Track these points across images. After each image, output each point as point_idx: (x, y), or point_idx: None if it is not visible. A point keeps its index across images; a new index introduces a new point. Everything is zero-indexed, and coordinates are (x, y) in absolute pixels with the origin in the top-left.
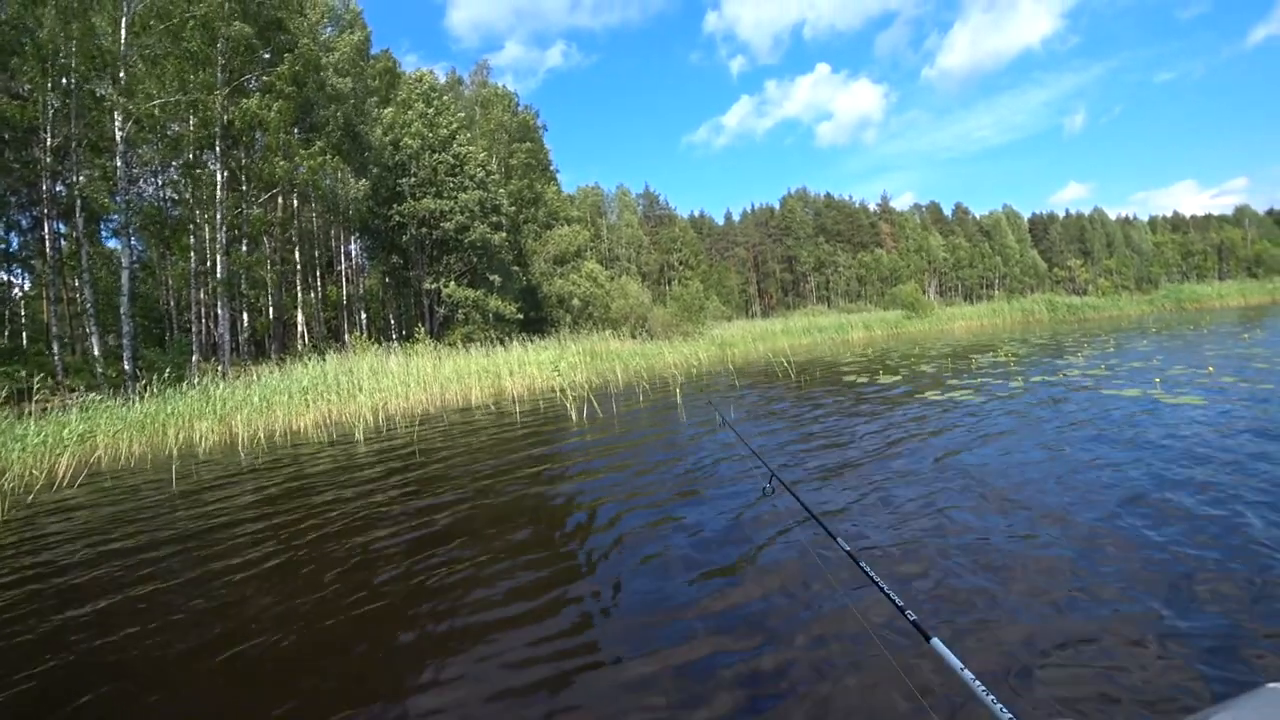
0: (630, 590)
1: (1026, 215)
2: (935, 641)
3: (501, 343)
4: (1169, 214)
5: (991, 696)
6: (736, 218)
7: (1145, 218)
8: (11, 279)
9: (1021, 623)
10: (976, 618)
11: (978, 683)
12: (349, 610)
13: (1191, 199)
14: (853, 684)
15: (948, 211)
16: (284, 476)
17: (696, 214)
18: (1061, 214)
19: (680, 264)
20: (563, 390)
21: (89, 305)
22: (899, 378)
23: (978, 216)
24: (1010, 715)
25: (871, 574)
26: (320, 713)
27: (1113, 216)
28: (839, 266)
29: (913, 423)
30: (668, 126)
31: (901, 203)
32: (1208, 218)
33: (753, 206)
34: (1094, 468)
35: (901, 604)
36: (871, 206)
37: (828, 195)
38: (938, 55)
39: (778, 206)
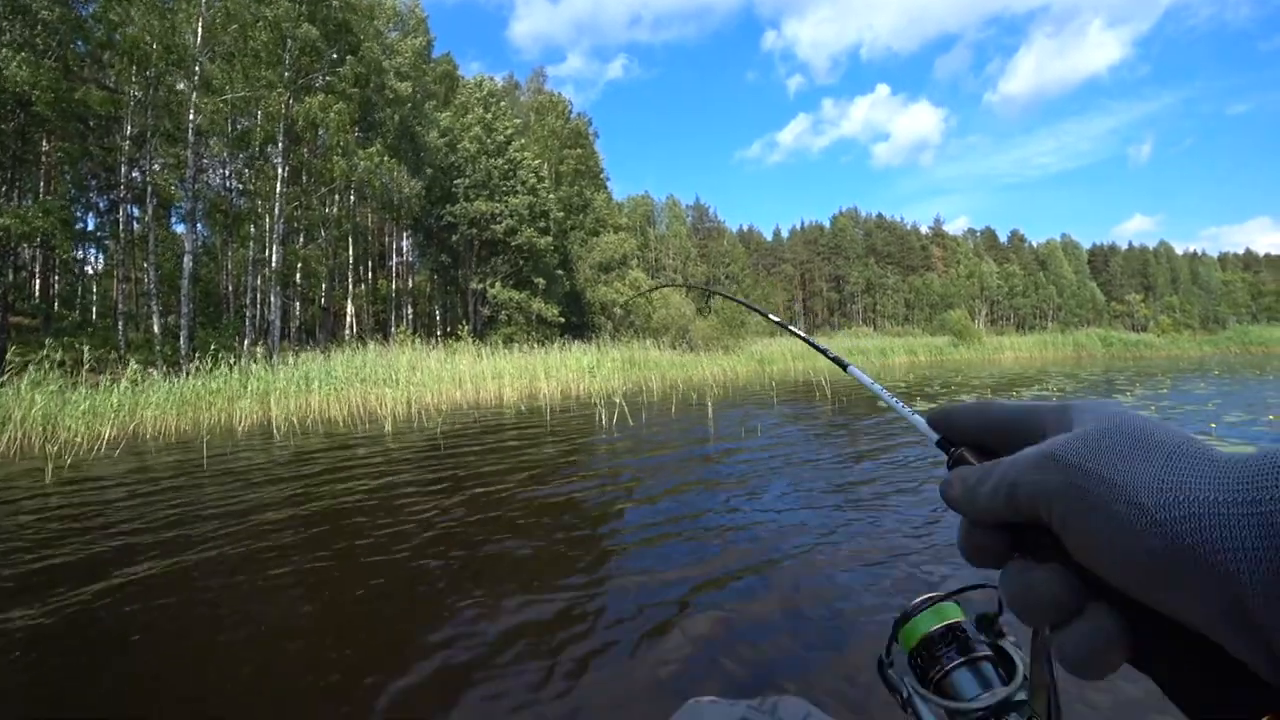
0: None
1: (1087, 246)
2: (852, 368)
3: (542, 345)
4: (1241, 251)
5: (902, 404)
6: (785, 234)
7: (1215, 254)
8: (87, 257)
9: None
10: None
11: (886, 393)
12: (336, 582)
13: (1266, 237)
14: None
15: (1003, 238)
16: (306, 459)
17: (745, 228)
18: (1124, 246)
19: (727, 278)
20: (593, 399)
21: (152, 286)
22: (934, 406)
23: (1034, 245)
24: (920, 418)
25: (794, 330)
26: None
27: (1180, 251)
28: (888, 289)
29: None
30: (721, 141)
31: (955, 227)
32: None
33: (802, 224)
34: None
35: (822, 348)
36: (924, 229)
37: (879, 216)
38: (1000, 80)
39: (828, 225)
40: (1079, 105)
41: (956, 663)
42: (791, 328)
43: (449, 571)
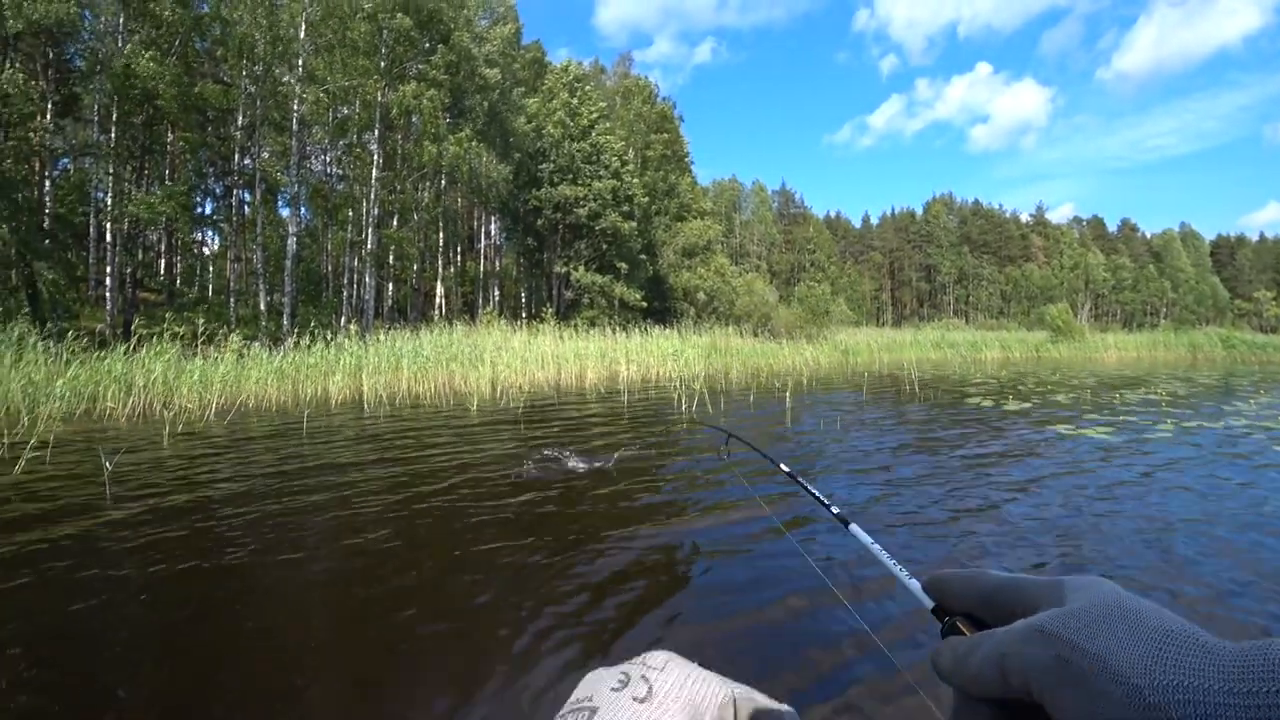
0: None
1: (1209, 237)
2: (853, 527)
3: (624, 329)
4: None
5: (900, 567)
6: (874, 220)
7: None
8: (204, 239)
9: None
10: None
11: (885, 554)
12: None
13: None
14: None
15: (1112, 227)
16: (394, 430)
17: (832, 214)
18: (1255, 237)
19: (812, 265)
20: (673, 385)
21: (260, 265)
22: (1028, 405)
23: (1147, 235)
24: (916, 583)
25: (802, 481)
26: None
27: None
28: (982, 279)
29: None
30: (810, 125)
31: (1059, 215)
32: None
33: (893, 210)
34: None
35: (826, 500)
36: (1024, 217)
37: (975, 202)
38: (1114, 55)
39: (920, 211)
40: (1205, 80)
41: None
42: (800, 479)
43: (518, 528)
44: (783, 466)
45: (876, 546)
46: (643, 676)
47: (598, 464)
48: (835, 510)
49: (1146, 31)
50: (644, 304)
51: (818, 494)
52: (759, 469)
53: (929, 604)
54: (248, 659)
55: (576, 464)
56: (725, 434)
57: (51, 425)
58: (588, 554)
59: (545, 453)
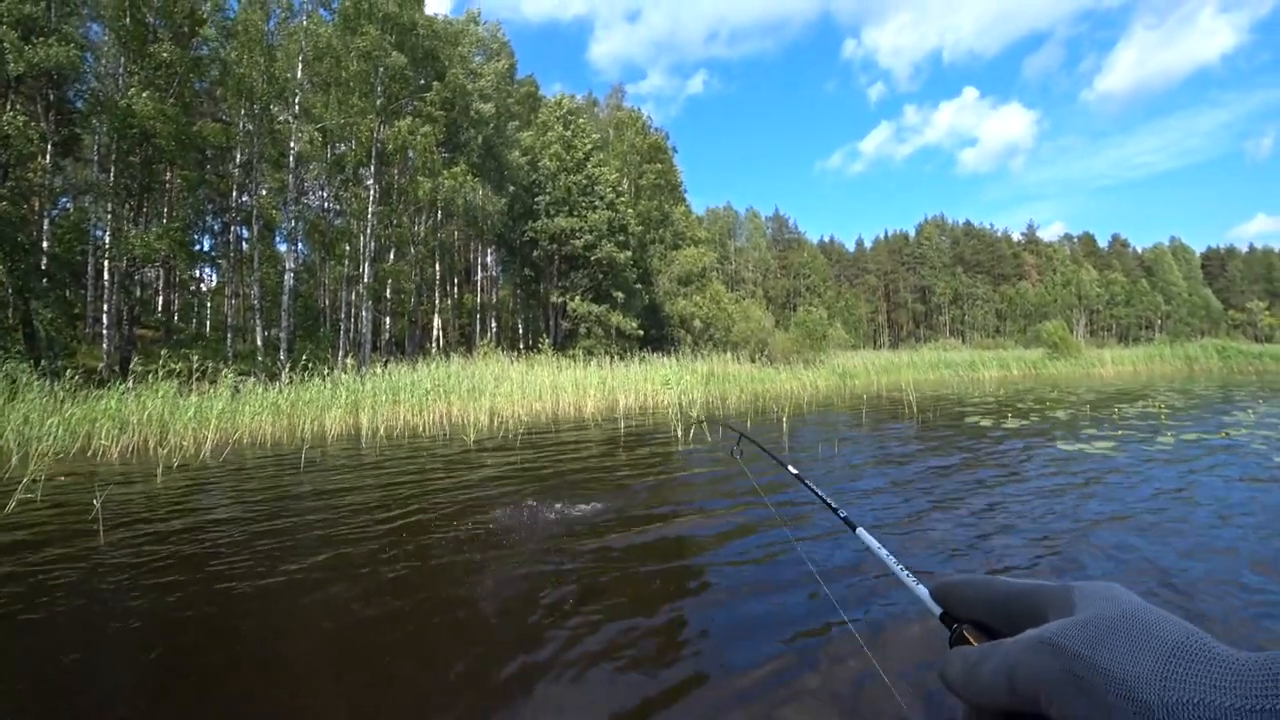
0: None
1: (1200, 250)
2: (860, 530)
3: (621, 358)
4: None
5: (907, 573)
6: (868, 244)
7: None
8: (202, 275)
9: None
10: None
11: (891, 559)
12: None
13: None
14: None
15: (1103, 243)
16: (391, 463)
17: (826, 239)
18: (1244, 249)
19: (808, 290)
20: (670, 413)
21: (257, 301)
22: (1027, 422)
23: (1138, 250)
24: (924, 589)
25: (809, 483)
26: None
27: None
28: (977, 299)
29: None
30: (802, 152)
31: (1050, 233)
32: None
33: (886, 233)
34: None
35: (834, 505)
36: (1015, 236)
37: (967, 223)
38: (1096, 77)
39: (913, 234)
40: (1186, 99)
41: None
42: (806, 481)
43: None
44: (790, 469)
45: (884, 552)
46: None
47: (586, 508)
48: (843, 514)
49: (1126, 54)
50: (640, 332)
51: (825, 497)
52: (769, 485)
53: (936, 611)
54: (242, 683)
55: (566, 511)
56: (738, 434)
57: (44, 463)
58: (578, 576)
59: (531, 503)
